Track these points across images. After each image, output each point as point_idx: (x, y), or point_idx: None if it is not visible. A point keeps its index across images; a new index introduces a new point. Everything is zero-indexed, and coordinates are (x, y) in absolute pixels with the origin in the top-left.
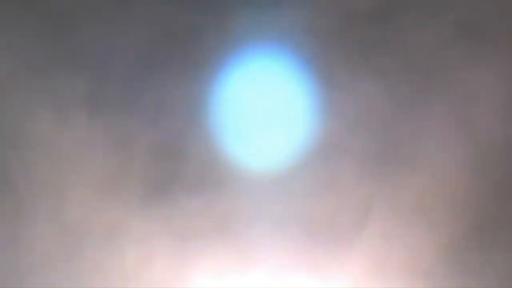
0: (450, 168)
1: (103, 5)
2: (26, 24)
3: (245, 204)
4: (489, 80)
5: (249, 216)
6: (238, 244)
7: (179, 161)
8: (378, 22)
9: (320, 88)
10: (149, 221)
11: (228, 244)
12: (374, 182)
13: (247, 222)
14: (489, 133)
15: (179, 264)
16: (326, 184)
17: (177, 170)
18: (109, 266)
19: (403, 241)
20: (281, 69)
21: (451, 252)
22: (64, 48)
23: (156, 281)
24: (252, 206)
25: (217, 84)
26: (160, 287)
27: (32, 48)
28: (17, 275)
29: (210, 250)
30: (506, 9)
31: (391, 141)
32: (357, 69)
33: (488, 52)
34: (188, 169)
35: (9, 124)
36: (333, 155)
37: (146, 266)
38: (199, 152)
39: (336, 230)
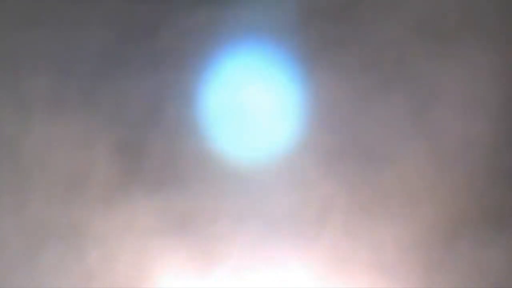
0: (411, 164)
1: (60, 2)
2: None
3: (207, 201)
4: (449, 75)
5: (211, 213)
6: (201, 242)
7: (140, 159)
8: (337, 17)
9: (280, 85)
10: (111, 220)
11: (191, 242)
12: (336, 178)
13: (210, 220)
14: (449, 129)
15: (143, 264)
16: (288, 180)
17: (138, 168)
18: (72, 266)
19: (366, 237)
20: (239, 66)
21: (414, 248)
22: (25, 47)
23: (119, 281)
24: (214, 203)
25: (178, 81)
26: (123, 287)
27: None
28: None
29: (173, 249)
30: (466, 3)
31: (352, 137)
32: (316, 65)
33: (449, 47)
34: (149, 167)
35: None
36: (295, 152)
37: (109, 266)
38: (161, 150)
39: (299, 225)
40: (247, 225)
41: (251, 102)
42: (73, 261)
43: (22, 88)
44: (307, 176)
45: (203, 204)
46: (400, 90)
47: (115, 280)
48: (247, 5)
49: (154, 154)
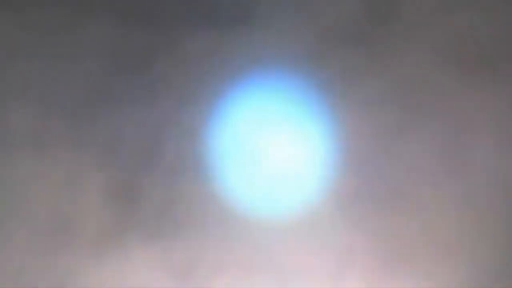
0: (441, 211)
1: (49, 33)
2: None
3: (210, 252)
4: (483, 110)
5: (215, 265)
6: None
7: (135, 203)
8: (355, 45)
9: (294, 121)
10: (103, 273)
11: None
12: (355, 227)
13: (213, 272)
14: (484, 171)
15: None
16: (302, 229)
17: (133, 214)
18: None
19: None
20: (249, 98)
21: None
22: (11, 79)
23: None
24: (219, 254)
25: (178, 115)
26: None
27: None
28: None
29: None
30: (504, 29)
31: (373, 180)
32: (334, 98)
33: (483, 78)
34: (146, 212)
35: None
36: (309, 197)
37: None
38: (159, 193)
39: (314, 282)
40: (254, 279)
41: (262, 139)
42: None
43: (6, 120)
44: (323, 224)
45: (206, 255)
46: (428, 126)
47: None
48: (258, 29)
49: (151, 197)
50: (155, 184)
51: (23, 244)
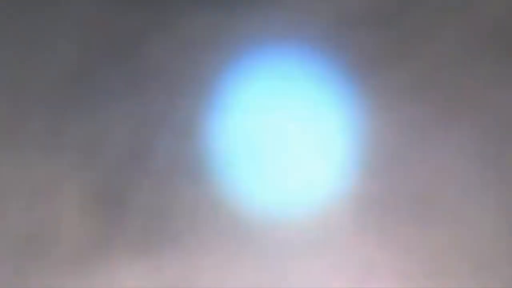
0: (477, 222)
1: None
2: None
3: (207, 267)
4: None
5: (213, 282)
6: None
7: (121, 212)
8: (379, 28)
9: (306, 113)
10: None
11: None
12: (377, 237)
13: None
14: None
15: None
16: (317, 239)
17: (119, 223)
18: None
19: None
20: (253, 87)
21: None
22: None
23: None
24: (218, 269)
25: (169, 109)
26: None
27: None
28: None
29: None
30: None
31: (399, 184)
32: (353, 88)
33: None
34: (133, 222)
35: None
36: (325, 202)
37: None
38: (148, 199)
39: None
40: None
41: (268, 136)
42: None
43: None
44: (341, 234)
45: (204, 274)
46: (463, 123)
47: None
48: (263, 7)
49: (139, 204)
50: (144, 189)
51: None
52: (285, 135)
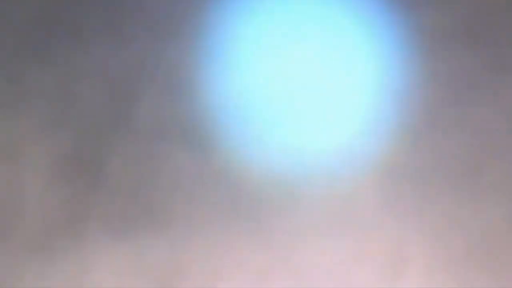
0: None
1: None
2: None
3: (198, 252)
4: None
5: (206, 271)
6: None
7: (95, 182)
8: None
9: (321, 62)
10: (50, 276)
11: None
12: (412, 219)
13: (205, 279)
14: None
15: None
16: (342, 216)
17: (92, 196)
18: None
19: None
20: (254, 25)
21: None
22: None
23: None
24: (211, 255)
25: (158, 54)
26: None
27: None
28: None
29: None
30: None
31: (445, 153)
32: (395, 30)
33: None
34: (111, 197)
35: None
36: (351, 171)
37: None
38: (127, 168)
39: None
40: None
41: (276, 88)
42: None
43: None
44: (367, 212)
45: (196, 256)
46: None
47: None
48: None
49: (118, 175)
50: (124, 155)
51: None
52: (295, 87)
